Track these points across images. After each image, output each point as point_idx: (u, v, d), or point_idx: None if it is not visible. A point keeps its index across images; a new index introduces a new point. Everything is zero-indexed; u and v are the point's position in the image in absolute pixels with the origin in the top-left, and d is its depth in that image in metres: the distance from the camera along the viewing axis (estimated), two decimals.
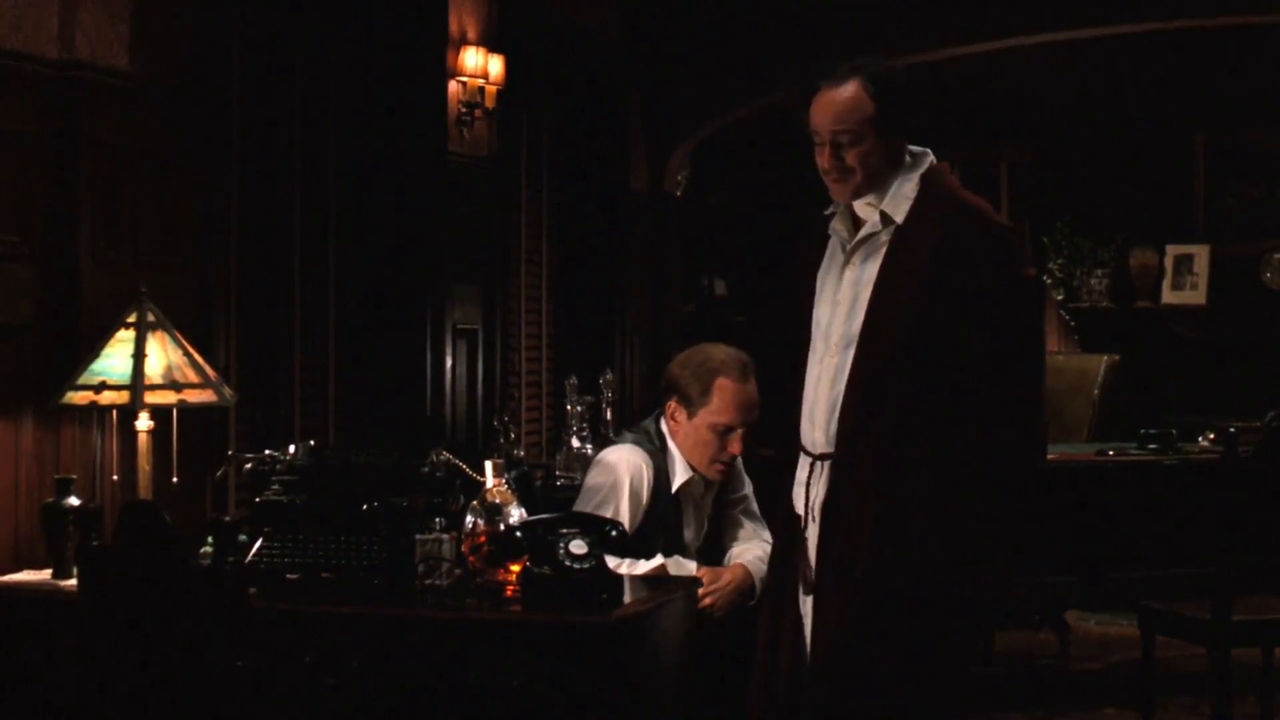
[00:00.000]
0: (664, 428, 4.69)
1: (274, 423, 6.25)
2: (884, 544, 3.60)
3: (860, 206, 3.74)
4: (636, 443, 4.68)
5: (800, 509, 3.77)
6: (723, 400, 4.55)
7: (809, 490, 3.74)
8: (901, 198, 3.71)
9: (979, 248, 3.66)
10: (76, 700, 4.14)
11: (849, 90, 3.68)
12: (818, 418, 3.73)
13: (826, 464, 3.70)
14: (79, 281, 4.95)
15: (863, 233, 3.72)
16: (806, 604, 3.78)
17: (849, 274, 3.73)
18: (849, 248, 3.74)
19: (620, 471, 4.59)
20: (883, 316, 3.65)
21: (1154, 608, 5.57)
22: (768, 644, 3.85)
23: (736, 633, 4.31)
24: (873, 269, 3.69)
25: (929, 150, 3.78)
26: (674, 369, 4.71)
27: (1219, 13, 8.73)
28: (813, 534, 3.73)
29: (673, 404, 4.66)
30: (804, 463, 3.78)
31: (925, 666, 3.66)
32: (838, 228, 3.79)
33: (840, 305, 3.72)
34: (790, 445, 3.86)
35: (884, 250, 3.69)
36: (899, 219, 3.69)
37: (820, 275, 3.83)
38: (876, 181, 3.71)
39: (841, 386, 3.67)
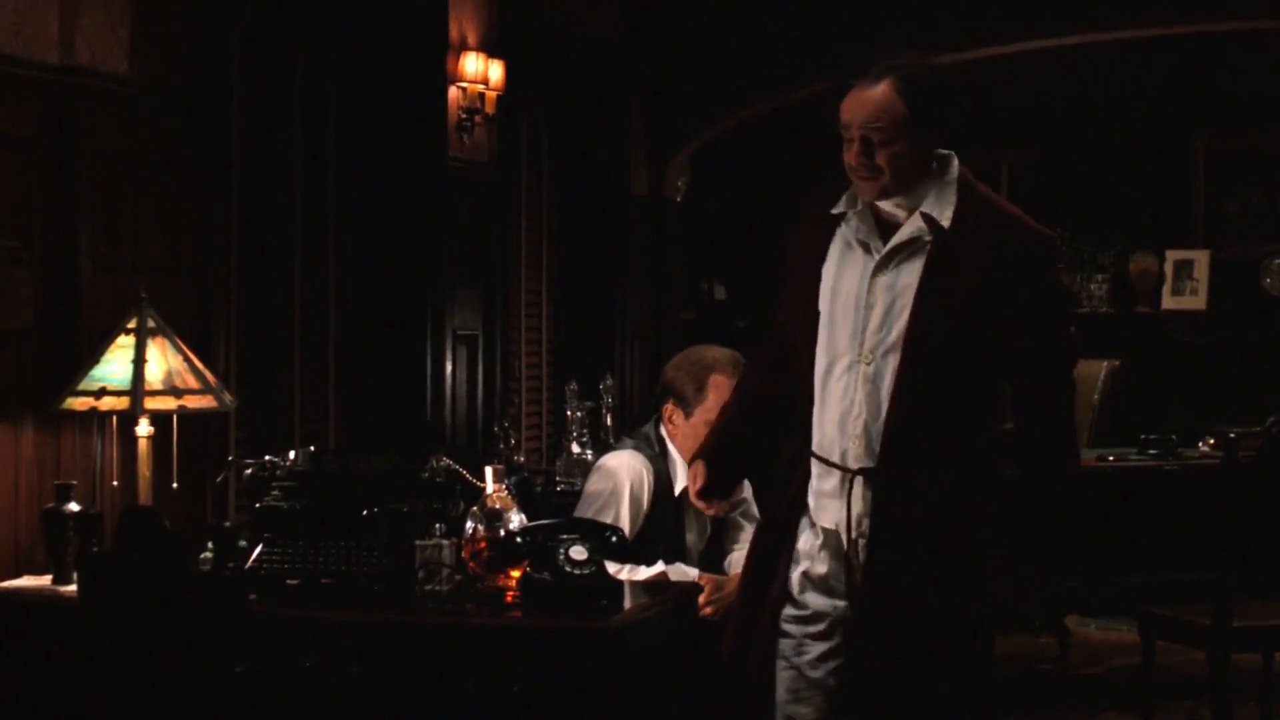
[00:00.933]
0: (663, 432, 4.69)
1: (274, 428, 6.25)
2: (948, 563, 3.60)
3: (888, 208, 3.66)
4: (636, 448, 4.68)
5: (831, 523, 3.68)
6: (718, 396, 4.55)
7: (850, 505, 3.64)
8: (944, 203, 3.64)
9: (1029, 260, 3.66)
10: (77, 705, 4.13)
11: (882, 90, 3.60)
12: (852, 428, 3.63)
13: (864, 478, 3.62)
14: (79, 286, 4.95)
15: (903, 236, 3.63)
16: (828, 600, 3.72)
17: (884, 278, 3.62)
18: (885, 251, 3.64)
19: (621, 477, 4.59)
20: (930, 324, 3.57)
21: (1154, 612, 5.57)
22: (739, 650, 3.82)
23: None
24: (912, 274, 3.60)
25: (953, 153, 3.73)
26: (669, 372, 4.73)
27: (1219, 18, 8.73)
28: (856, 550, 3.65)
29: (669, 406, 4.66)
30: (828, 474, 3.68)
31: (974, 676, 3.72)
32: (858, 227, 3.70)
33: (873, 310, 3.61)
34: (794, 448, 3.78)
35: (926, 256, 3.61)
36: (946, 224, 3.62)
37: (830, 274, 3.71)
38: (904, 183, 3.63)
39: (884, 397, 3.59)
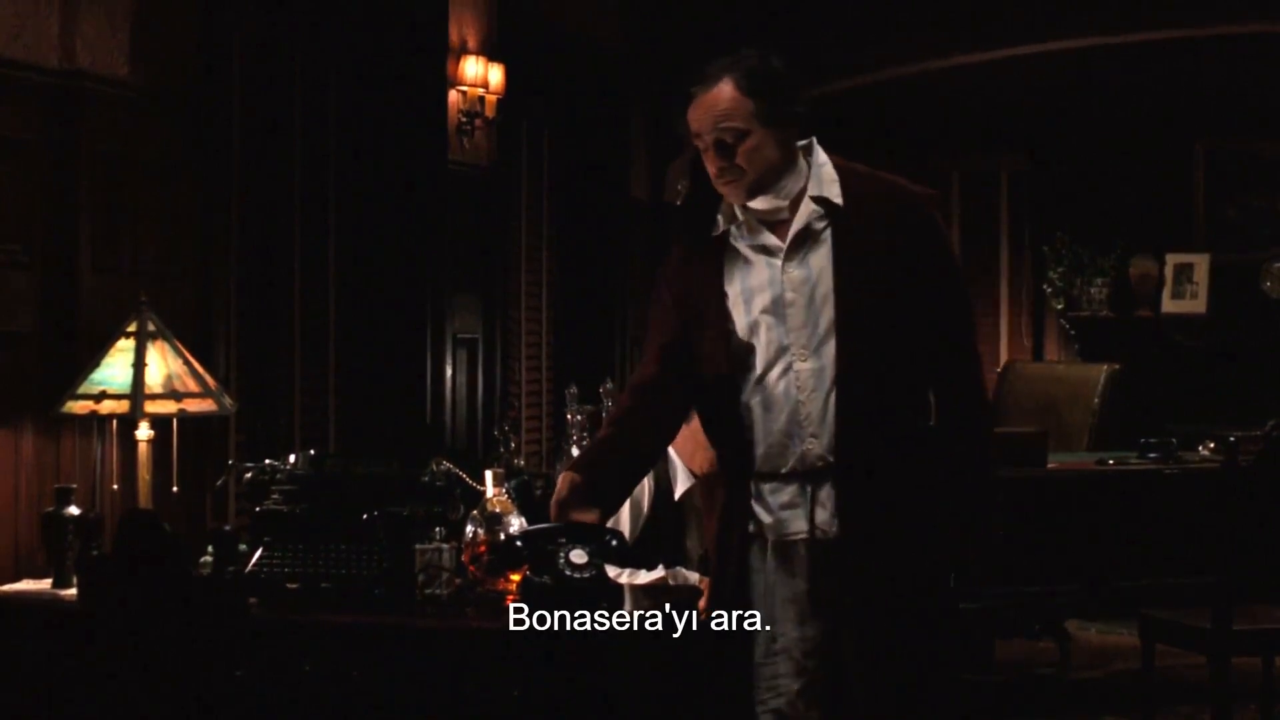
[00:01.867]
0: None
1: (274, 432, 6.25)
2: (923, 556, 3.55)
3: (765, 206, 3.59)
4: None
5: (802, 532, 3.57)
6: None
7: (814, 510, 3.56)
8: (828, 182, 3.59)
9: (923, 221, 3.60)
10: (76, 709, 4.13)
11: (722, 90, 3.58)
12: (804, 429, 3.53)
13: (827, 477, 3.54)
14: (79, 290, 4.95)
15: (801, 224, 3.56)
16: (800, 627, 3.62)
17: (795, 272, 3.55)
18: (788, 244, 3.56)
19: None
20: (856, 302, 3.51)
21: (1154, 616, 5.57)
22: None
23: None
24: (821, 259, 3.54)
25: (813, 138, 3.66)
26: None
27: (1218, 22, 8.74)
28: (823, 556, 3.56)
29: None
30: (781, 487, 3.58)
31: (953, 670, 3.72)
32: (748, 236, 3.62)
33: (794, 306, 3.54)
34: (736, 468, 3.64)
35: (828, 238, 3.55)
36: (839, 201, 3.56)
37: (736, 289, 3.61)
38: (771, 177, 3.57)
39: (826, 388, 3.51)
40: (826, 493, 3.55)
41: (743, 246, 3.63)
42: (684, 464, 4.62)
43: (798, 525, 3.58)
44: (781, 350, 3.54)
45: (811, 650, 3.61)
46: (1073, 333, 10.35)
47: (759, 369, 3.56)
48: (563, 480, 3.77)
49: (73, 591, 4.37)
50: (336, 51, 6.77)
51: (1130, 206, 10.30)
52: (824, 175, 3.59)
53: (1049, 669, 7.08)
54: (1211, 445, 6.58)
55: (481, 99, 7.42)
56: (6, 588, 4.60)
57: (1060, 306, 10.34)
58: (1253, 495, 5.35)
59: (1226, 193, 10.35)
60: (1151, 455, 6.41)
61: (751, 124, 3.55)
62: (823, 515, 3.55)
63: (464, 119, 7.32)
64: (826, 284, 3.52)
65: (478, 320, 7.58)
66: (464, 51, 7.38)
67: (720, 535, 3.70)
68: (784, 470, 3.57)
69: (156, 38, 5.33)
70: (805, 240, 3.56)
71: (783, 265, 3.57)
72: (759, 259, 3.60)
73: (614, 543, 4.01)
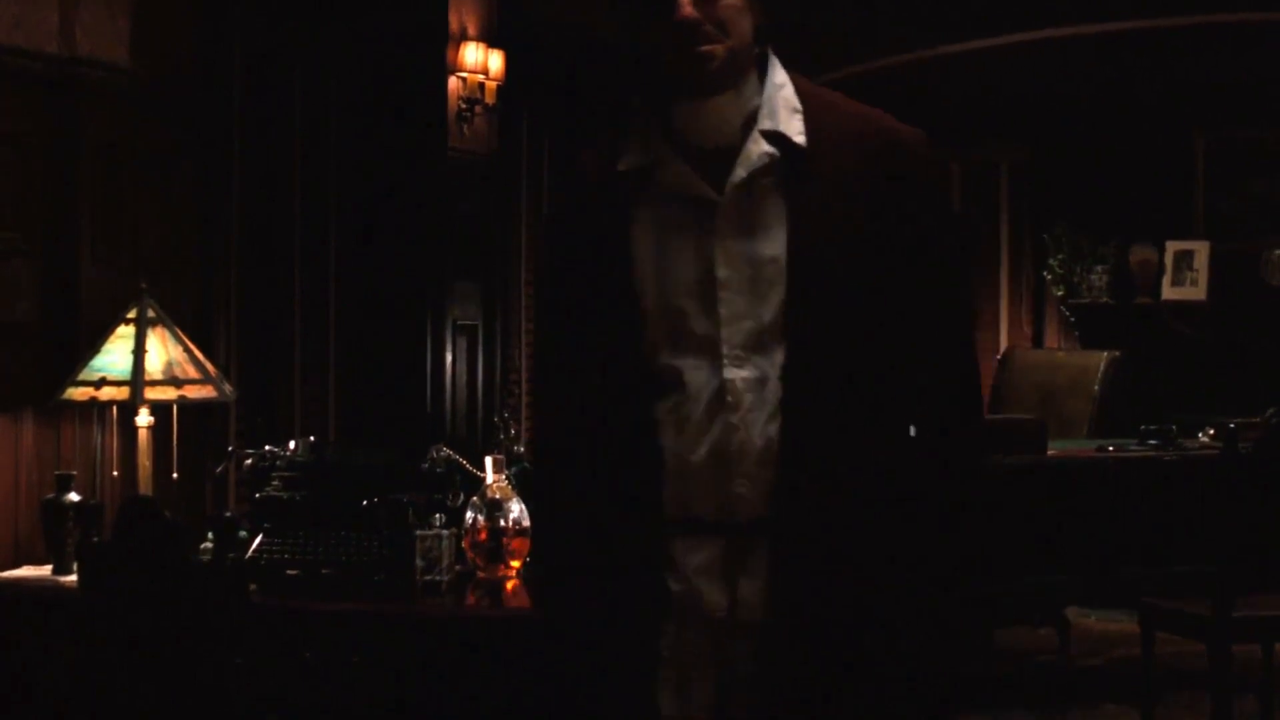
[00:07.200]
0: None
1: (274, 419, 6.25)
2: (887, 664, 2.44)
3: (709, 119, 2.44)
4: None
5: (717, 607, 2.42)
6: None
7: (738, 579, 2.41)
8: (787, 111, 2.45)
9: (918, 181, 2.47)
10: (77, 695, 4.14)
11: None
12: (735, 464, 2.39)
13: (762, 535, 2.40)
14: (79, 280, 4.96)
15: (745, 172, 2.41)
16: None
17: (729, 242, 2.41)
18: (727, 196, 2.42)
19: None
20: (817, 291, 2.40)
21: (1154, 604, 5.57)
22: None
23: None
24: (769, 225, 2.40)
25: (769, 48, 2.52)
26: None
27: (1219, 9, 8.73)
28: (745, 641, 2.43)
29: None
30: (698, 545, 2.42)
31: None
32: (673, 179, 2.45)
33: (726, 291, 2.40)
34: (636, 510, 2.45)
35: (782, 197, 2.41)
36: (801, 140, 2.43)
37: (649, 255, 2.44)
38: (738, 71, 2.43)
39: (769, 409, 2.40)
40: (758, 557, 2.42)
41: (663, 193, 2.45)
42: None
43: (714, 599, 2.43)
44: (706, 349, 2.42)
45: None
46: (1073, 320, 10.34)
47: (672, 374, 2.44)
48: None
49: (73, 578, 4.37)
50: (336, 39, 6.76)
51: (1130, 194, 10.28)
52: (781, 102, 2.46)
53: (1049, 657, 7.09)
54: (1211, 432, 6.58)
55: (482, 86, 7.41)
56: (6, 574, 4.61)
57: (1060, 294, 10.34)
58: (1252, 482, 5.35)
59: (1226, 181, 10.34)
60: (1151, 442, 6.41)
61: None
62: (749, 588, 2.42)
63: (464, 106, 7.32)
64: (777, 260, 2.40)
65: (478, 307, 7.58)
66: (464, 38, 7.37)
67: (615, 603, 2.50)
68: (704, 518, 2.43)
69: (157, 25, 5.33)
70: (750, 194, 2.42)
71: (716, 229, 2.42)
72: (684, 217, 2.44)
73: None
